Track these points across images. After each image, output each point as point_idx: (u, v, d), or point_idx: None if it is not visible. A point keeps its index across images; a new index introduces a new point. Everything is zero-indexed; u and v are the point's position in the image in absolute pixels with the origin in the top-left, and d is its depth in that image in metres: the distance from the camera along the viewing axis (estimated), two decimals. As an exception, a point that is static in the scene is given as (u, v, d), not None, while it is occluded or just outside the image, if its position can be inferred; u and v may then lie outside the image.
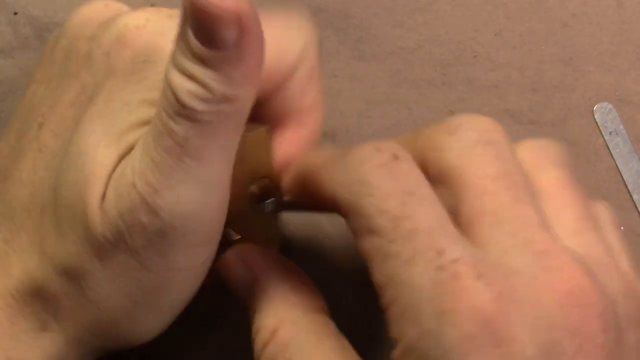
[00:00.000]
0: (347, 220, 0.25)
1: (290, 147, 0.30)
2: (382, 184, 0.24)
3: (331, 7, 0.41)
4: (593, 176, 0.40)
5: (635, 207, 0.39)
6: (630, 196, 0.39)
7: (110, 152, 0.26)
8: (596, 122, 0.40)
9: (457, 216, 0.25)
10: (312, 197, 0.27)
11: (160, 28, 0.28)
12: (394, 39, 0.41)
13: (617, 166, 0.39)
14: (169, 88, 0.24)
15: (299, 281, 0.28)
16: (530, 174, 0.26)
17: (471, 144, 0.25)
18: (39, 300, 0.27)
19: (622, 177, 0.39)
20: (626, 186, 0.39)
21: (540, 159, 0.27)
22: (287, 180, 0.29)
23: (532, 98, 0.41)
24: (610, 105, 0.40)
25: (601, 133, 0.40)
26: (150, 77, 0.27)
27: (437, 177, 0.26)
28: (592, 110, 0.40)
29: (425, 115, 0.41)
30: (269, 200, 0.29)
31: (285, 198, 0.29)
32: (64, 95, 0.28)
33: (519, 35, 0.41)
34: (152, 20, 0.28)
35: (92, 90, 0.28)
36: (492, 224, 0.24)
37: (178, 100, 0.24)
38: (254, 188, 0.29)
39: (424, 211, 0.24)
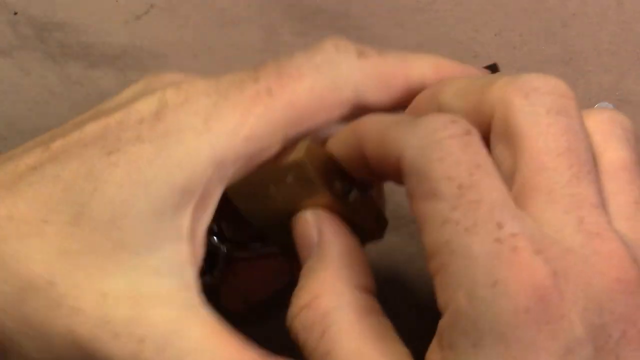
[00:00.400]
0: (407, 181, 0.25)
1: None
2: (454, 151, 0.24)
3: (331, 7, 0.41)
4: (593, 176, 0.40)
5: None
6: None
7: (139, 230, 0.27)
8: (596, 122, 0.40)
9: (512, 181, 0.25)
10: (364, 162, 0.27)
11: (195, 106, 0.28)
12: (394, 39, 0.41)
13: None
14: None
15: (357, 258, 0.29)
16: (594, 148, 0.26)
17: (543, 111, 0.25)
18: None
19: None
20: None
21: (607, 134, 0.27)
22: (337, 145, 0.29)
23: (532, 98, 0.41)
24: (610, 105, 0.40)
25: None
26: (176, 155, 0.27)
27: (501, 133, 0.26)
28: (592, 110, 0.40)
29: (425, 115, 0.41)
30: (352, 191, 0.30)
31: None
32: (83, 131, 0.28)
33: (519, 35, 0.41)
34: (190, 100, 0.28)
35: (112, 143, 0.28)
36: (547, 201, 0.24)
37: None
38: (337, 186, 0.30)
39: (489, 184, 0.24)
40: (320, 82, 0.29)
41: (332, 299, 0.27)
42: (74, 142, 0.28)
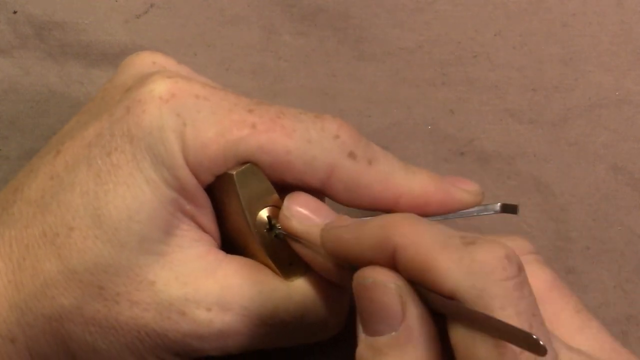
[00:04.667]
0: (457, 315, 0.25)
1: None
2: (513, 301, 0.24)
3: (331, 7, 0.41)
4: (593, 176, 0.40)
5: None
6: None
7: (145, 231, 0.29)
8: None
9: None
10: (388, 261, 0.26)
11: (181, 108, 0.29)
12: (394, 39, 0.41)
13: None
14: None
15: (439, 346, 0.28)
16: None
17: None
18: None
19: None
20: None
21: (526, 263, 0.26)
22: (354, 232, 0.27)
23: (532, 98, 0.41)
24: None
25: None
26: (162, 154, 0.29)
27: None
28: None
29: (425, 115, 0.41)
30: (279, 226, 0.30)
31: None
32: (84, 132, 0.30)
33: (519, 35, 0.41)
34: (176, 97, 0.29)
35: (107, 139, 0.29)
36: None
37: None
38: (263, 216, 0.30)
39: (544, 330, 0.25)
40: (299, 152, 0.29)
41: None
42: (77, 148, 0.30)
